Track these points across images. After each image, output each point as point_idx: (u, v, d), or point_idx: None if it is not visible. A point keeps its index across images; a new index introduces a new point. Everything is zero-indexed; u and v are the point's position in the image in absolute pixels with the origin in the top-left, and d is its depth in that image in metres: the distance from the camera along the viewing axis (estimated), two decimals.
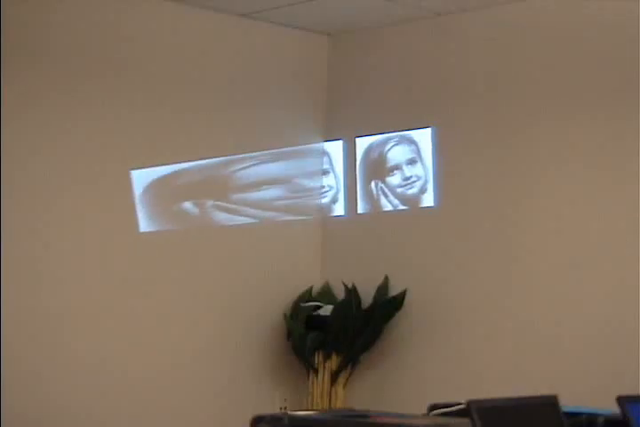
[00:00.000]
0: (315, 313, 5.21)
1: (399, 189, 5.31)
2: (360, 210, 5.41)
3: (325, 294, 5.35)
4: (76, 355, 4.66)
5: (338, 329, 5.10)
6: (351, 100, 5.50)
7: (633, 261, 4.47)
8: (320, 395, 5.17)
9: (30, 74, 4.60)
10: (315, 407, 5.13)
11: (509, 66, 4.96)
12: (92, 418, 4.68)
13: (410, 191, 5.27)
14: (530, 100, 4.88)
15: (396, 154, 5.34)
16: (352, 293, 5.17)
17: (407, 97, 5.31)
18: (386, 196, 5.34)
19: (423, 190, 5.23)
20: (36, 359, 4.57)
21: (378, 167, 5.39)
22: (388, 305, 5.15)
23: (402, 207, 5.29)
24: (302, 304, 5.27)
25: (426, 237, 5.18)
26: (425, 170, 5.22)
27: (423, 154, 5.23)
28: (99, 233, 4.76)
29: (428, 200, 5.20)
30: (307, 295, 5.34)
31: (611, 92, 4.63)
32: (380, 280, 5.22)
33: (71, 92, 4.72)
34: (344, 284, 5.22)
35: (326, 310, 5.20)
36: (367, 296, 5.18)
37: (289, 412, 2.24)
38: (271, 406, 5.16)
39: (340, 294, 5.29)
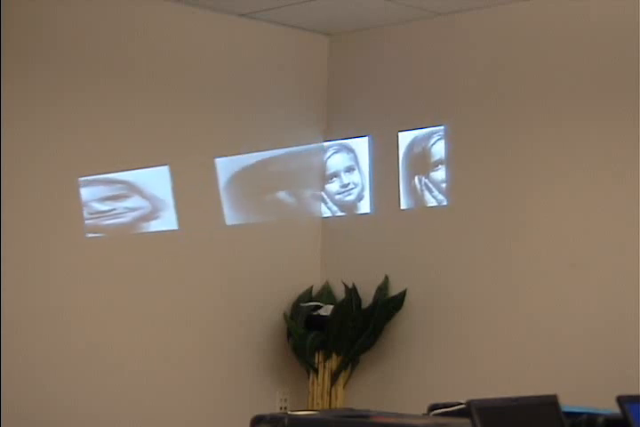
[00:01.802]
0: (315, 313, 5.21)
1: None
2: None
3: (325, 294, 5.35)
4: (75, 355, 4.66)
5: (338, 329, 5.10)
6: (351, 100, 5.50)
7: (633, 261, 4.47)
8: (320, 395, 5.17)
9: (30, 74, 4.61)
10: (315, 407, 5.12)
11: (510, 66, 4.96)
12: (91, 418, 4.67)
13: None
14: (530, 100, 4.87)
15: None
16: (352, 293, 5.17)
17: (407, 97, 5.31)
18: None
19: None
20: (36, 359, 4.57)
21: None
22: (388, 305, 5.15)
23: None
24: (302, 304, 5.27)
25: (426, 236, 5.18)
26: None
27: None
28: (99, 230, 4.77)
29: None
30: (307, 295, 5.34)
31: (614, 92, 4.62)
32: (380, 280, 5.22)
33: (70, 92, 4.72)
34: (344, 284, 5.22)
35: (326, 310, 5.20)
36: (367, 296, 5.18)
37: (289, 412, 2.23)
38: (271, 406, 5.15)
39: (340, 294, 5.29)
